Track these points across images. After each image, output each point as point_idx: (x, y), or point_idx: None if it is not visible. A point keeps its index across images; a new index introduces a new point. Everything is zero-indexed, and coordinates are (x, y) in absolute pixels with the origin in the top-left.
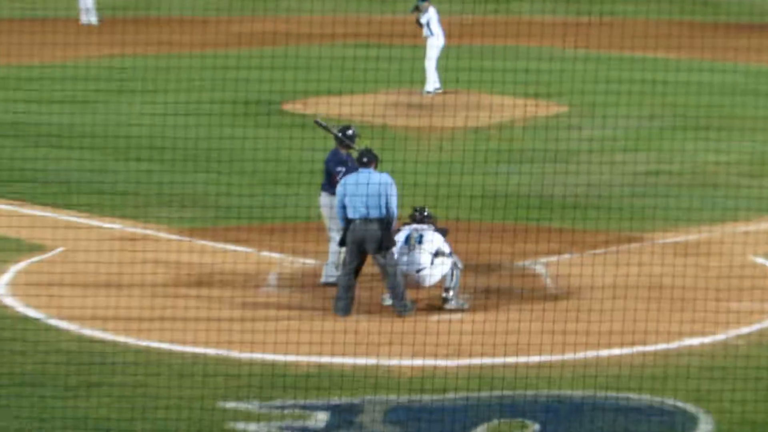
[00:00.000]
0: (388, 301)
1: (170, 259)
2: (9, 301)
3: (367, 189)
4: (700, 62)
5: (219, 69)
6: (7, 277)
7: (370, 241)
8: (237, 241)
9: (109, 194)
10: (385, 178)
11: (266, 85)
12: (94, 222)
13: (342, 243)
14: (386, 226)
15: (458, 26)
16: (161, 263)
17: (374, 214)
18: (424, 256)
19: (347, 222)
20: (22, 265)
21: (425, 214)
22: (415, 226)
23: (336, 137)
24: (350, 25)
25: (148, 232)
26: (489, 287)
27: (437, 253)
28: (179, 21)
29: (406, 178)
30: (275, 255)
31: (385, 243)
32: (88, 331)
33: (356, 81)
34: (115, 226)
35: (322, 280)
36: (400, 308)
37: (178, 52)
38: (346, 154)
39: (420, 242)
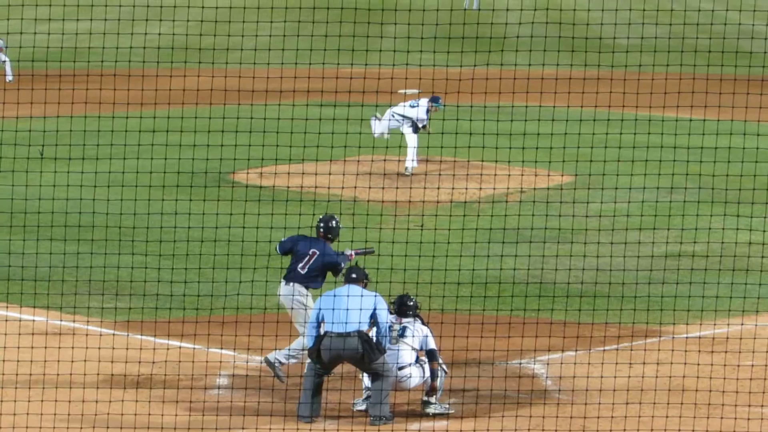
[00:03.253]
0: (361, 406)
1: (103, 357)
2: None
3: (348, 301)
4: (731, 124)
5: (157, 132)
6: None
7: (349, 358)
8: (181, 336)
9: (27, 280)
10: (371, 293)
11: (214, 151)
12: (11, 313)
13: (314, 358)
14: (367, 339)
15: (442, 81)
16: (92, 362)
17: (352, 327)
18: (406, 353)
19: (320, 336)
20: None
21: (410, 303)
22: (396, 317)
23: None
24: (314, 80)
25: (77, 325)
26: (479, 390)
27: (424, 350)
28: (109, 75)
29: (381, 261)
30: (226, 352)
31: (368, 359)
32: None
33: (321, 146)
34: (36, 318)
35: (266, 356)
36: (376, 416)
37: (106, 112)
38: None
39: (402, 335)
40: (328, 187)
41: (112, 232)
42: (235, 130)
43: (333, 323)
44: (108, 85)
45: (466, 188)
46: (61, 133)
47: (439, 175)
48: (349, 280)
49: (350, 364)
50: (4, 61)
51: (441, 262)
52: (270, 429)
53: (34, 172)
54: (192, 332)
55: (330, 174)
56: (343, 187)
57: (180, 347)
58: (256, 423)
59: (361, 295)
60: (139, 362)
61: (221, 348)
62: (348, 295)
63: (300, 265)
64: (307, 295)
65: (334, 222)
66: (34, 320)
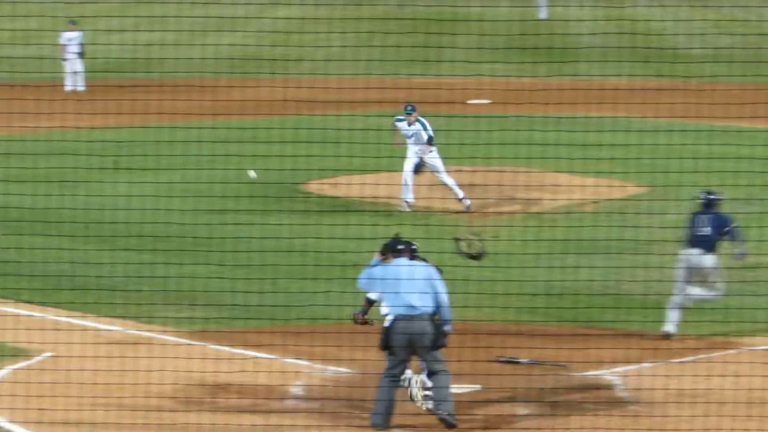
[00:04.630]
0: (426, 404)
1: (178, 367)
2: None
3: (414, 282)
4: None
5: (230, 143)
6: None
7: (421, 340)
8: (256, 346)
9: (103, 290)
10: (430, 268)
11: (286, 161)
12: (87, 323)
13: (384, 347)
14: (435, 322)
15: (514, 92)
16: (167, 372)
17: (424, 309)
18: None
19: (392, 322)
20: (2, 372)
21: (413, 247)
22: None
23: None
24: (386, 90)
25: (152, 334)
26: (555, 401)
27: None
28: (180, 86)
29: (456, 272)
30: (301, 362)
31: (439, 342)
32: None
33: (393, 156)
34: (111, 327)
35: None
36: (447, 413)
37: (177, 122)
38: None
39: None
40: (399, 197)
41: (187, 242)
42: (306, 140)
43: (400, 305)
44: (180, 95)
45: (540, 198)
46: (134, 143)
47: (512, 185)
48: (395, 253)
49: (417, 349)
50: (77, 72)
51: (516, 273)
52: None
53: (108, 182)
54: (267, 342)
55: (401, 184)
56: (415, 197)
57: (255, 357)
58: None
59: (428, 278)
60: (215, 372)
61: (296, 358)
62: (412, 274)
63: None
64: None
65: None
66: (110, 330)
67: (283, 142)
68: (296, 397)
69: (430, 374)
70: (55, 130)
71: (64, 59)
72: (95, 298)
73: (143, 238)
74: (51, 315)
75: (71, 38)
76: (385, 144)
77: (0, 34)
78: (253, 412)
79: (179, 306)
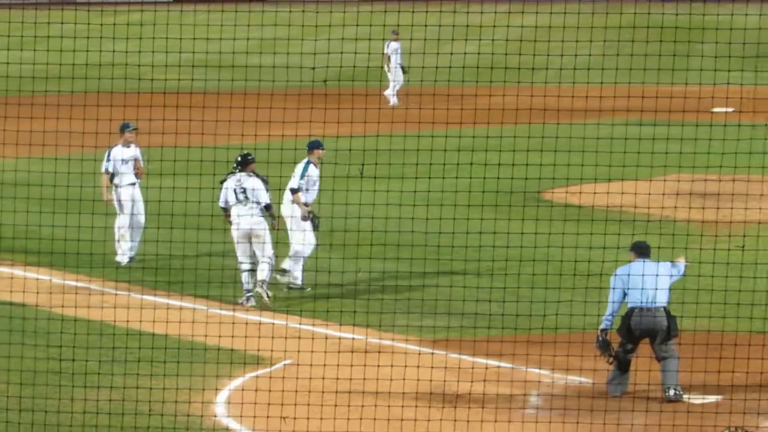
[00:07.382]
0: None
1: (411, 376)
2: (227, 422)
3: (657, 279)
4: None
5: (463, 151)
6: (224, 394)
7: (657, 330)
8: (489, 355)
9: (346, 299)
10: (667, 265)
11: (520, 170)
12: (330, 331)
13: (621, 331)
14: (671, 315)
15: (762, 101)
16: (401, 380)
17: (661, 301)
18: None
19: (629, 311)
20: (240, 380)
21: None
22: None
23: None
24: (620, 99)
25: (385, 342)
26: None
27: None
28: (425, 94)
29: (701, 282)
30: (538, 371)
31: (672, 332)
32: None
33: (628, 165)
34: (345, 335)
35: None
36: (675, 393)
37: (421, 131)
38: None
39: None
40: (634, 206)
41: (428, 250)
42: (540, 149)
43: (641, 300)
44: (426, 104)
45: (760, 209)
46: (378, 151)
47: (746, 195)
48: (644, 255)
49: (657, 336)
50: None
51: (762, 283)
52: None
53: (353, 190)
54: (500, 351)
55: (636, 193)
56: (648, 207)
57: (498, 367)
58: None
59: (662, 274)
60: (458, 381)
61: (539, 368)
62: (657, 274)
63: None
64: None
65: None
66: (353, 338)
67: (528, 150)
68: (534, 407)
69: (660, 360)
70: (288, 138)
71: (389, 69)
72: (338, 306)
73: (386, 246)
74: (291, 323)
75: (396, 48)
76: (628, 153)
77: (242, 43)
78: (494, 422)
79: (420, 314)
